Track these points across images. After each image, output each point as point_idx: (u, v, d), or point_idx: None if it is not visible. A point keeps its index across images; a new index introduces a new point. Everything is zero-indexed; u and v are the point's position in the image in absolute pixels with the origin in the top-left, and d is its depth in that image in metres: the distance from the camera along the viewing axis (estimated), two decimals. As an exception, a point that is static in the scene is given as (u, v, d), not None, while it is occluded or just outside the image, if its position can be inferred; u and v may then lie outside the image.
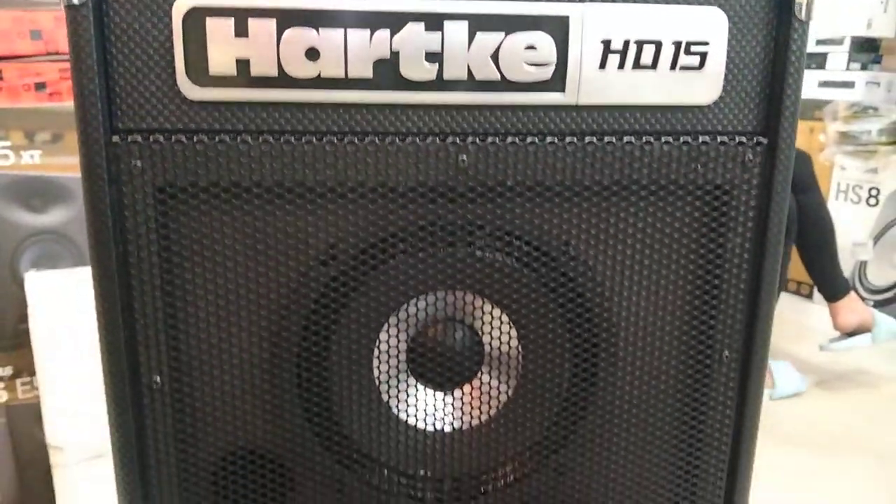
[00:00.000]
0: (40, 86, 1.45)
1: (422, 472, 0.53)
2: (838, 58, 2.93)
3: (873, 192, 3.16)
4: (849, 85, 3.11)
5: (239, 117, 0.44)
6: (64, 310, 1.33)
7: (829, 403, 2.20)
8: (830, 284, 2.31)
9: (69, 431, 1.33)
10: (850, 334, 2.39)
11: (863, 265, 3.19)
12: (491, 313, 0.51)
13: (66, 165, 1.45)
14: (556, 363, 0.52)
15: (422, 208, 0.47)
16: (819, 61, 2.90)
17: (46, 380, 1.32)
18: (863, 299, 2.50)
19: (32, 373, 1.43)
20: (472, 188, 0.46)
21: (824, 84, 3.00)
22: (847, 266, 2.73)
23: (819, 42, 2.88)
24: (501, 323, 0.51)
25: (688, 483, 0.56)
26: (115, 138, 0.43)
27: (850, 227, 3.12)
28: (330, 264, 0.47)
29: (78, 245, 1.39)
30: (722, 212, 0.49)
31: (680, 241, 0.50)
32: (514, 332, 0.51)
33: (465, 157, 0.45)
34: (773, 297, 0.52)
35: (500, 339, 0.51)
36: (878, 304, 2.93)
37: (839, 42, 2.96)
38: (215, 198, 0.45)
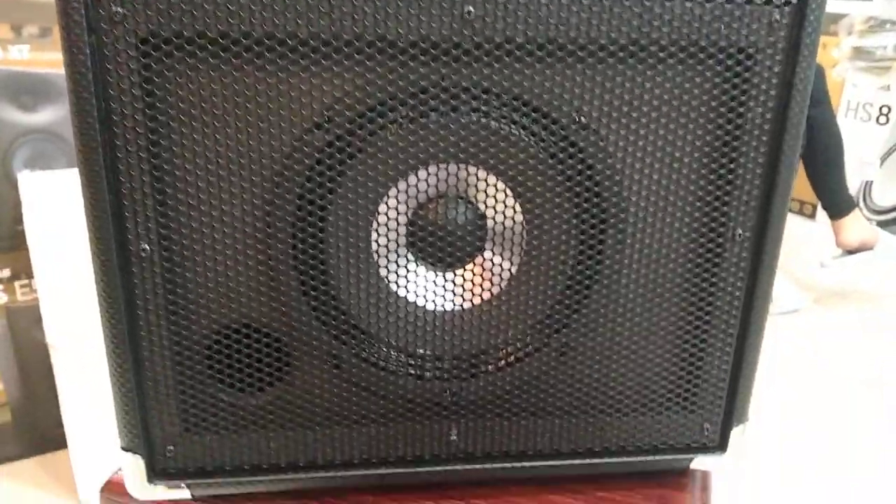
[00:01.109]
0: (25, -27, 1.38)
1: (421, 351, 0.52)
2: (857, -34, 2.82)
3: (884, 111, 3.10)
4: (867, -2, 3.01)
5: (226, -44, 0.40)
6: (59, 211, 1.31)
7: (827, 321, 2.21)
8: (836, 201, 2.28)
9: (68, 331, 1.33)
10: (852, 252, 2.39)
11: (868, 185, 3.16)
12: (495, 186, 0.48)
13: (56, 61, 1.40)
14: (561, 239, 0.50)
15: (424, 67, 0.44)
16: (837, -30, 2.79)
17: (44, 280, 1.31)
18: (867, 219, 2.48)
19: (31, 275, 1.42)
20: (478, 45, 0.43)
21: (841, -5, 2.90)
22: (853, 185, 2.70)
23: (838, -50, 2.77)
24: (506, 197, 0.49)
25: (692, 367, 0.55)
26: (92, -21, 0.39)
27: (859, 145, 3.07)
28: (326, 128, 0.45)
29: (72, 145, 1.36)
30: (744, 78, 0.46)
31: (698, 110, 0.47)
32: (518, 207, 0.49)
33: (471, 8, 0.42)
34: (793, 174, 0.49)
35: (503, 213, 0.49)
36: (882, 225, 2.92)
37: (859, -51, 2.84)
38: (202, 50, 0.42)
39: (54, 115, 1.43)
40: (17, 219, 1.36)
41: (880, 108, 3.12)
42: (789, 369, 1.87)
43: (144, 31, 0.41)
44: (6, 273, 1.46)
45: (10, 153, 1.39)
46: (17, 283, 1.48)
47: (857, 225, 2.31)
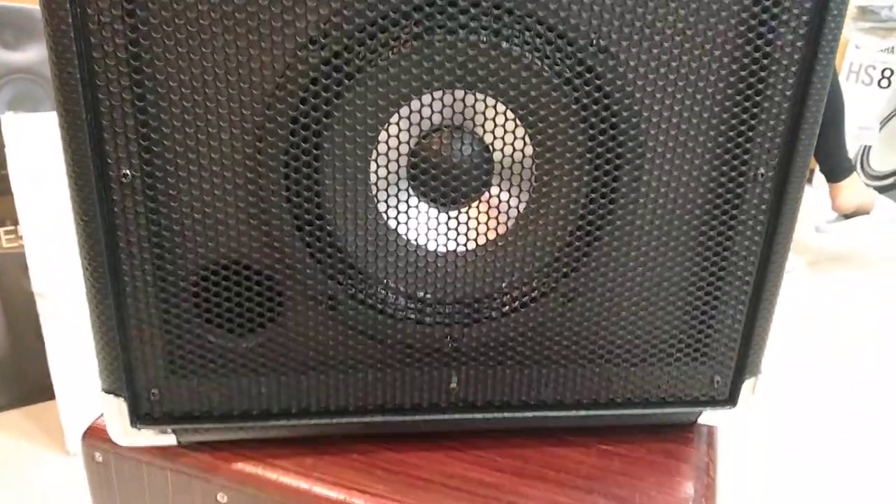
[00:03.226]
0: None
1: (421, 294, 0.49)
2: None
3: (886, 74, 3.05)
4: (875, -45, 2.95)
5: None
6: (45, 154, 1.26)
7: (820, 285, 2.20)
8: (834, 164, 2.25)
9: (55, 279, 1.29)
10: (848, 217, 2.36)
11: (866, 150, 3.13)
12: (504, 115, 0.45)
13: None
14: (573, 175, 0.46)
15: (431, -21, 0.40)
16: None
17: (30, 227, 1.27)
18: (864, 184, 2.45)
19: (17, 221, 1.38)
20: (490, -46, 0.40)
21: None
22: (851, 149, 2.67)
23: None
24: (515, 127, 0.45)
25: (705, 315, 0.52)
26: None
27: (859, 109, 3.03)
28: (322, 43, 0.41)
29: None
30: (775, 1, 0.43)
31: (724, 35, 0.44)
32: (527, 139, 0.46)
33: None
34: (820, 111, 0.46)
35: (512, 145, 0.46)
36: (880, 190, 2.89)
37: None
38: (187, -47, 0.38)
39: (40, 53, 1.37)
40: (1, 163, 1.31)
41: (882, 72, 3.08)
42: (785, 332, 1.86)
43: (123, -70, 0.37)
44: (-10, 220, 1.42)
45: (-8, 94, 1.34)
46: (1, 230, 1.44)
47: (854, 189, 2.28)
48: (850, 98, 2.46)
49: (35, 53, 1.37)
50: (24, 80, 1.37)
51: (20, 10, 1.31)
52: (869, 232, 2.44)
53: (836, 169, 2.27)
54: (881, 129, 3.16)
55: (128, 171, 0.42)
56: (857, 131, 3.04)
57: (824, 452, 1.38)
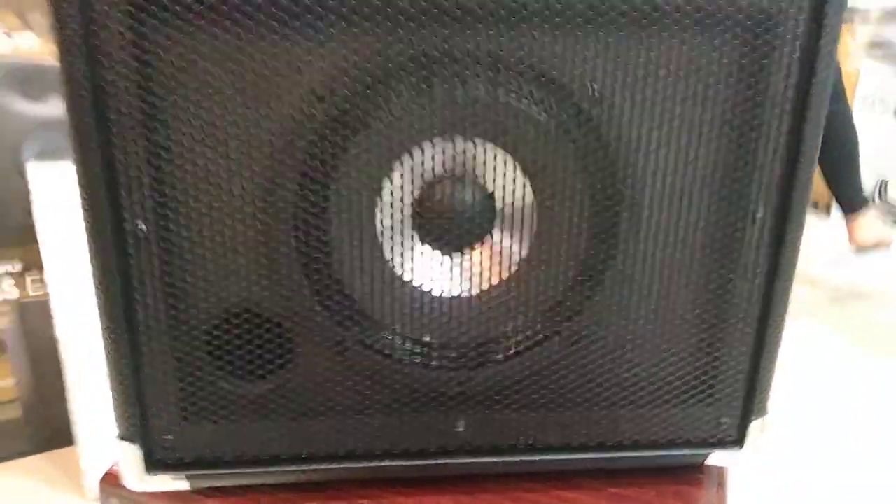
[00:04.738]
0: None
1: (427, 338, 0.50)
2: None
3: (901, 105, 3.04)
4: (883, -10, 2.97)
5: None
6: (69, 203, 1.29)
7: (840, 322, 2.17)
8: (851, 197, 2.24)
9: (78, 326, 1.32)
10: (867, 251, 2.34)
11: (884, 184, 3.11)
12: (505, 163, 0.46)
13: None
14: (574, 220, 0.47)
15: (431, 35, 0.42)
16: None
17: (54, 275, 1.30)
18: (883, 216, 2.43)
19: (42, 268, 1.41)
20: (488, 11, 0.41)
21: (857, -14, 2.86)
22: (868, 182, 2.66)
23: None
24: (516, 175, 0.47)
25: (710, 357, 0.53)
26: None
27: (874, 138, 3.02)
28: (329, 99, 0.43)
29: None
30: (766, 45, 0.44)
31: (718, 80, 0.45)
32: (529, 186, 0.47)
33: (479, -28, 0.40)
34: (816, 149, 0.47)
35: (513, 192, 0.47)
36: (898, 224, 2.87)
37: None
38: (200, 18, 0.40)
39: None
40: (28, 212, 1.35)
41: (896, 103, 3.06)
42: (805, 371, 1.83)
43: (137, -2, 0.39)
44: (17, 267, 1.45)
45: (20, 145, 1.38)
46: (28, 278, 1.47)
47: (871, 224, 2.27)
48: (865, 128, 2.46)
49: (60, 105, 1.41)
50: (50, 131, 1.42)
51: (45, 65, 1.36)
52: (888, 267, 2.41)
53: (853, 203, 2.26)
54: (899, 160, 3.13)
55: (143, 225, 0.44)
56: (874, 162, 3.02)
57: (840, 494, 1.35)
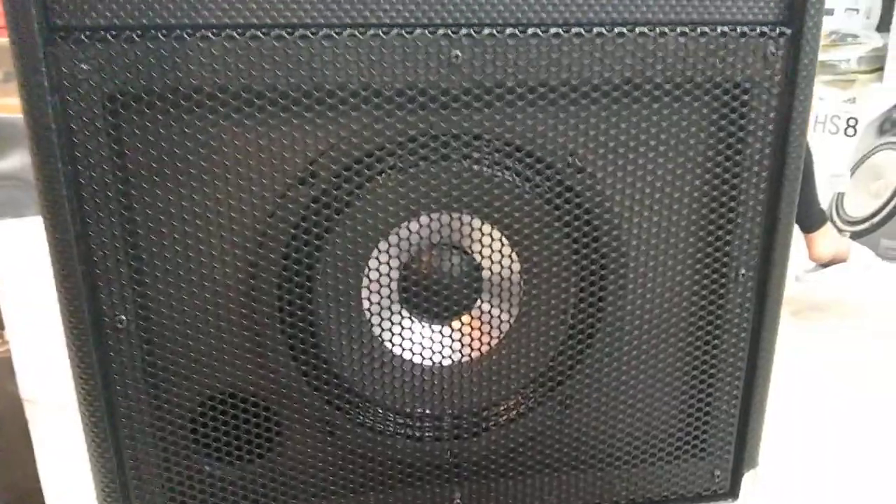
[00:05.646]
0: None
1: (419, 411, 0.49)
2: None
3: (851, 122, 3.13)
4: (828, 13, 3.05)
5: (198, 9, 0.38)
6: (30, 259, 1.26)
7: (804, 335, 2.21)
8: (808, 215, 2.29)
9: (43, 384, 1.28)
10: (825, 266, 2.39)
11: (840, 196, 3.18)
12: (490, 235, 0.46)
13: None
14: (560, 288, 0.47)
15: (411, 116, 0.41)
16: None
17: (16, 332, 1.26)
18: (840, 231, 2.49)
19: (3, 326, 1.36)
20: (466, 90, 0.41)
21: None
22: (824, 197, 2.72)
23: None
24: (501, 245, 0.46)
25: (700, 413, 0.53)
26: (55, 37, 0.37)
27: (828, 158, 3.09)
28: (310, 183, 0.42)
29: (40, 192, 1.32)
30: (741, 113, 0.45)
31: (695, 148, 0.45)
32: (514, 256, 0.47)
33: (458, 52, 0.40)
34: (794, 209, 0.48)
35: (500, 263, 0.47)
36: (857, 234, 2.94)
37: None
38: (176, 107, 0.39)
39: (22, 160, 1.38)
40: (-14, 269, 1.31)
41: (847, 121, 3.16)
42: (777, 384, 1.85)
43: (111, 89, 0.38)
44: (-25, 326, 1.40)
45: (-24, 202, 1.34)
46: (-14, 336, 1.42)
47: (829, 238, 2.31)
48: (820, 147, 2.52)
49: (19, 160, 1.38)
50: (9, 186, 1.38)
51: (3, 119, 1.33)
52: (846, 279, 2.46)
53: (810, 220, 2.31)
54: (852, 175, 3.22)
55: (123, 317, 0.43)
56: (830, 179, 3.09)
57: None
